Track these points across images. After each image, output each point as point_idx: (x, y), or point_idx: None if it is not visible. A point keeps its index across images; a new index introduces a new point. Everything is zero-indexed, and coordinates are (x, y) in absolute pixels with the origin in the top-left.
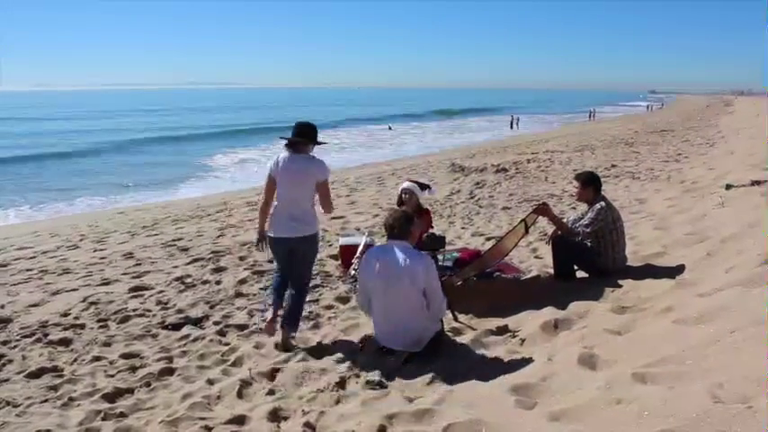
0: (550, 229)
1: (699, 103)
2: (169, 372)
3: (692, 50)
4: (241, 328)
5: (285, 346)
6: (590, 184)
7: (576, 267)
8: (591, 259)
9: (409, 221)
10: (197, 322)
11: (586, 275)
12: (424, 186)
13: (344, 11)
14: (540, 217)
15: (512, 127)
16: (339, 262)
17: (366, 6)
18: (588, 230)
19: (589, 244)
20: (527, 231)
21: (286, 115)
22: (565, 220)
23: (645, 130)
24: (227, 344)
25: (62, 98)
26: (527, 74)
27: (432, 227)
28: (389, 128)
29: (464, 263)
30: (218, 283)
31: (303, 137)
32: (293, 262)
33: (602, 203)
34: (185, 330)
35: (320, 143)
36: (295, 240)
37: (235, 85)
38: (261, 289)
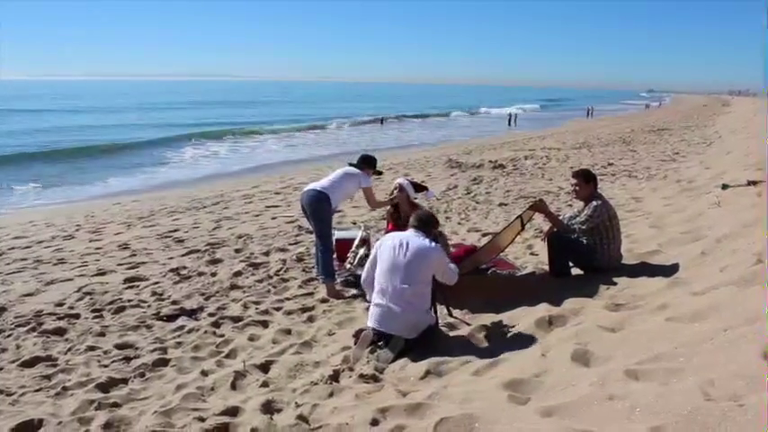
0: (546, 225)
1: (696, 102)
2: (163, 363)
3: (689, 50)
4: (236, 320)
5: (331, 295)
6: (590, 181)
7: (571, 264)
8: (586, 256)
9: (435, 223)
10: (192, 314)
11: (581, 273)
12: (420, 188)
13: (346, 6)
14: (537, 214)
15: (509, 124)
16: (334, 255)
17: (368, 2)
18: (584, 228)
19: (585, 241)
20: (523, 228)
21: (281, 111)
22: (561, 218)
23: (642, 129)
24: (221, 335)
25: (61, 88)
26: (524, 71)
27: None
28: (381, 122)
29: (459, 259)
30: (213, 275)
31: (359, 162)
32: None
33: (599, 201)
34: (180, 321)
35: (370, 169)
36: (303, 198)
37: (234, 78)
38: (256, 281)
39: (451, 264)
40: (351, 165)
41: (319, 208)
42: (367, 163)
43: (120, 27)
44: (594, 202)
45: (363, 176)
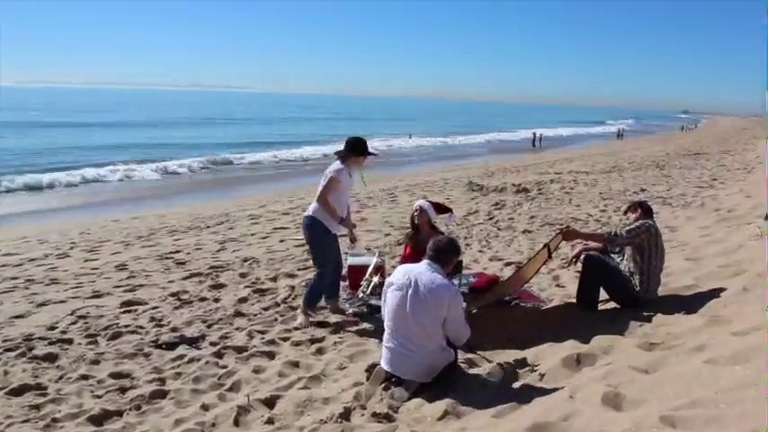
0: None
1: (735, 124)
2: (161, 394)
3: (726, 70)
4: (240, 350)
5: (334, 311)
6: (634, 209)
7: (601, 298)
8: (623, 285)
9: (456, 251)
10: (193, 342)
11: (608, 307)
12: (443, 209)
13: (352, 18)
14: (565, 242)
15: (534, 144)
16: (347, 283)
17: (377, 12)
18: (630, 235)
19: (630, 268)
20: (550, 256)
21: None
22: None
23: (677, 153)
24: (224, 367)
25: (46, 96)
26: (553, 88)
27: None
28: (410, 136)
29: (480, 289)
30: (216, 300)
31: (343, 149)
32: None
33: (650, 221)
34: (180, 350)
35: (355, 155)
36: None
37: (238, 89)
38: (263, 309)
39: (465, 324)
40: (335, 153)
41: (309, 234)
42: (349, 147)
43: (123, 33)
44: (643, 220)
45: (335, 164)
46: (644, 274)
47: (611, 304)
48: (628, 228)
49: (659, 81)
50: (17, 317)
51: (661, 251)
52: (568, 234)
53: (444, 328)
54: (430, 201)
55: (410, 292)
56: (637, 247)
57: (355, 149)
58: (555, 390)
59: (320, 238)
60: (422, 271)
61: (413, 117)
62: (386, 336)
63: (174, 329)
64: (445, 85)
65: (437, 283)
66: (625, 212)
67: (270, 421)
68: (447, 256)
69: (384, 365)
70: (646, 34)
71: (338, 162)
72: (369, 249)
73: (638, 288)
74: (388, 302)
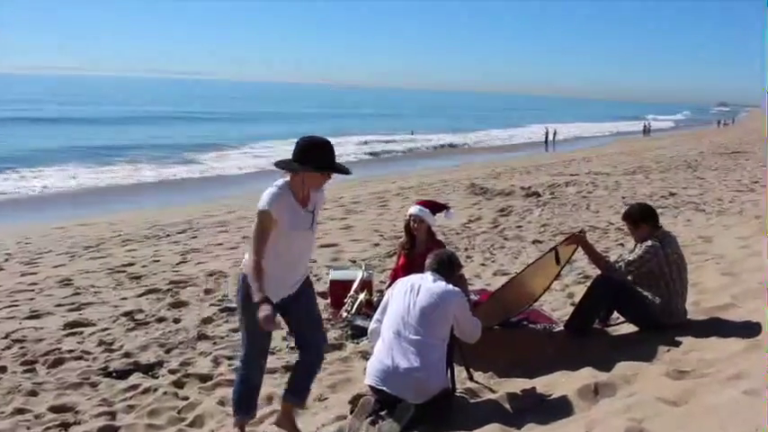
0: (590, 269)
1: None
2: (111, 431)
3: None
4: (203, 378)
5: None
6: (640, 222)
7: (618, 318)
8: (644, 309)
9: (458, 265)
10: (148, 370)
11: (629, 329)
12: (438, 207)
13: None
14: (581, 254)
15: (546, 141)
16: (328, 301)
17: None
18: (631, 268)
19: (644, 291)
20: (559, 263)
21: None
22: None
23: (712, 151)
24: (185, 398)
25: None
26: (573, 78)
27: None
28: (412, 133)
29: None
30: (176, 321)
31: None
32: None
33: (655, 241)
34: (133, 379)
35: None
36: None
37: (201, 76)
38: (230, 330)
39: (474, 318)
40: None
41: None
42: (300, 154)
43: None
44: (649, 241)
45: (275, 183)
46: (663, 297)
47: (633, 326)
48: (628, 260)
49: (691, 69)
50: None
51: (677, 267)
52: (579, 239)
53: (455, 332)
54: (423, 202)
55: (413, 297)
56: (646, 274)
57: (309, 159)
58: (569, 424)
59: (240, 305)
60: (426, 279)
61: (412, 111)
62: (380, 348)
63: (126, 355)
64: (447, 75)
65: (442, 288)
66: (623, 219)
67: None
68: (449, 269)
69: (370, 380)
70: (673, 12)
71: (281, 180)
72: (354, 262)
73: (659, 315)
74: (391, 310)
